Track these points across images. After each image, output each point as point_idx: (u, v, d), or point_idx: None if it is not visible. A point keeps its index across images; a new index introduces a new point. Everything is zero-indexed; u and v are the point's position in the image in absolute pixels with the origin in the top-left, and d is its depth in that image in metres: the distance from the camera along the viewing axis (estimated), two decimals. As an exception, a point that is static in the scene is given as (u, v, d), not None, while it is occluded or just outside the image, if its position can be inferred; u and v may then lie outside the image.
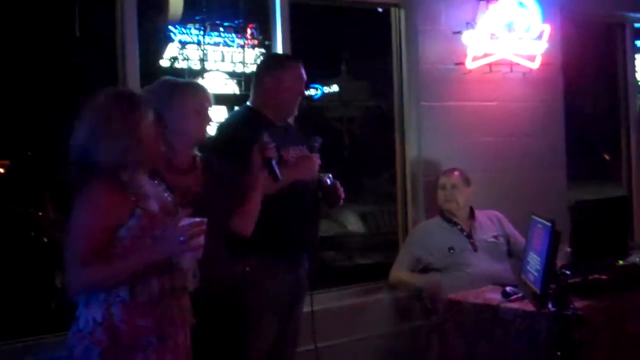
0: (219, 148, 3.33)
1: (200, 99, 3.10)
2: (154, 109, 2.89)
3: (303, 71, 3.63)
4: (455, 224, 4.54)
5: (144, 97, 2.67)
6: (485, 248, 4.47)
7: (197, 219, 2.44)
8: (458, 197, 4.54)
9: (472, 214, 4.60)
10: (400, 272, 4.57)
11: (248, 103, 3.66)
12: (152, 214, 2.48)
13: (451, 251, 4.45)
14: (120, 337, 2.43)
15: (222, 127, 3.61)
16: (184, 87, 3.14)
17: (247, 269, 3.28)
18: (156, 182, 2.65)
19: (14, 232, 6.85)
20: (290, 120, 3.85)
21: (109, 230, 2.41)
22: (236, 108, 3.97)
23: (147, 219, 2.46)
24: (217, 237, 2.91)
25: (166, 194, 2.63)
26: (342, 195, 3.60)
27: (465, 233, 4.52)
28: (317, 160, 3.50)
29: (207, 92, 3.17)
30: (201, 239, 2.45)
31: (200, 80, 3.06)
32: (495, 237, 4.54)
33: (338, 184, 3.59)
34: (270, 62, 3.82)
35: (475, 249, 4.47)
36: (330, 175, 3.55)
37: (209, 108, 3.11)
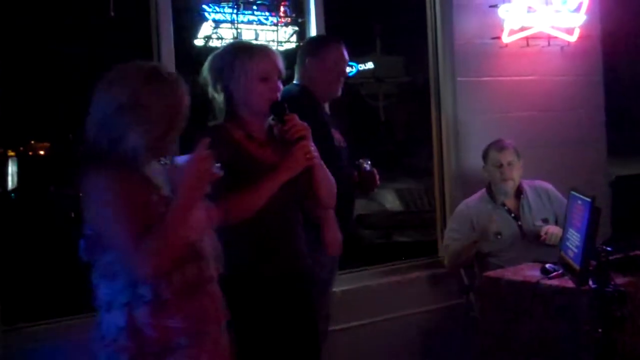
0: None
1: (266, 65, 2.80)
2: (221, 78, 2.78)
3: (345, 52, 3.66)
4: (502, 204, 4.32)
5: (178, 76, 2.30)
6: (533, 233, 4.19)
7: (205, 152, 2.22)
8: (514, 174, 4.30)
9: (520, 191, 4.35)
10: (449, 250, 4.36)
11: (295, 82, 3.66)
12: (168, 200, 2.22)
13: (498, 237, 4.22)
14: (145, 342, 2.18)
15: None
16: (248, 51, 2.83)
17: None
18: (162, 162, 2.37)
19: (55, 213, 6.96)
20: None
21: (138, 209, 2.14)
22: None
23: (164, 206, 2.20)
24: (297, 212, 2.89)
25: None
26: (378, 182, 3.62)
27: (512, 215, 4.29)
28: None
29: (275, 56, 2.85)
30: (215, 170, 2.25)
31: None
32: (544, 220, 4.26)
33: (375, 170, 3.61)
34: (313, 43, 3.83)
35: (523, 235, 4.22)
36: (369, 162, 3.57)
37: (279, 76, 2.84)
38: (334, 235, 3.02)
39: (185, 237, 2.18)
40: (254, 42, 2.92)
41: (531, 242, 4.18)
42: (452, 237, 4.39)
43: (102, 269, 2.20)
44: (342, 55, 3.65)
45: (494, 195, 4.35)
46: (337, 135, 3.52)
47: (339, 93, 3.69)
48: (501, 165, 4.29)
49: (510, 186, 4.30)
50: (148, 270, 2.12)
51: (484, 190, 4.41)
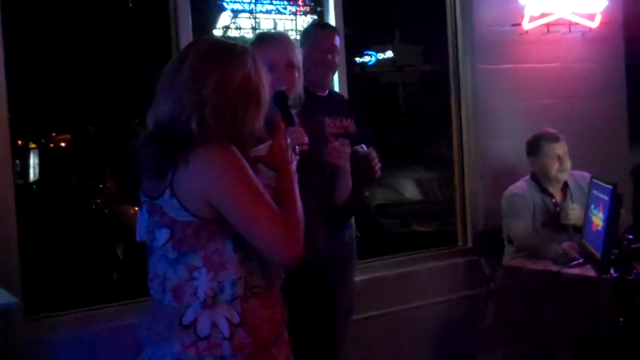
0: None
1: (271, 54, 2.73)
2: None
3: (330, 38, 3.51)
4: (551, 195, 4.21)
5: None
6: (573, 229, 4.05)
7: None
8: (568, 165, 4.21)
9: (566, 183, 4.26)
10: (529, 232, 4.11)
11: None
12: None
13: (544, 227, 4.16)
14: (263, 337, 2.02)
15: None
16: (261, 40, 2.82)
17: None
18: None
19: (76, 204, 7.02)
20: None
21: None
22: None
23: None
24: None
25: None
26: (378, 166, 3.27)
27: (558, 208, 4.17)
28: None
29: (285, 45, 2.79)
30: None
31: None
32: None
33: (373, 154, 3.27)
34: (300, 34, 3.76)
35: (565, 228, 4.09)
36: (364, 145, 3.25)
37: (289, 66, 2.76)
38: None
39: None
40: (279, 31, 2.86)
41: (572, 235, 4.04)
42: (516, 225, 4.19)
43: (204, 259, 1.96)
44: (323, 40, 3.49)
45: (541, 184, 4.24)
46: (344, 123, 3.45)
47: (327, 79, 3.59)
48: (559, 157, 4.19)
49: (565, 177, 4.22)
50: (297, 250, 1.97)
51: (528, 178, 4.30)
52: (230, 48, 2.06)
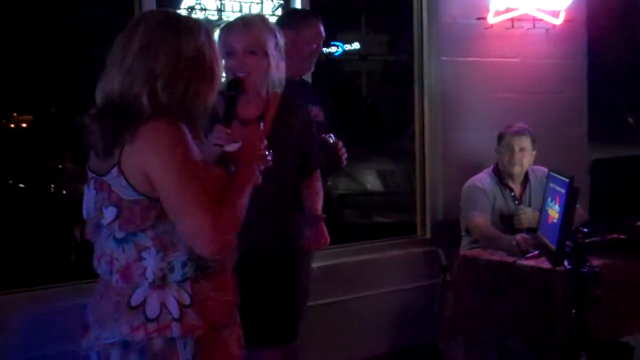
0: None
1: (228, 38, 2.74)
2: None
3: (322, 28, 3.56)
4: (510, 189, 4.27)
5: None
6: (527, 230, 4.04)
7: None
8: (524, 160, 4.24)
9: (526, 177, 4.31)
10: (487, 224, 4.10)
11: None
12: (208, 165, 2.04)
13: (501, 219, 4.18)
14: (214, 319, 1.99)
15: None
16: (227, 25, 2.80)
17: None
18: None
19: (34, 184, 6.94)
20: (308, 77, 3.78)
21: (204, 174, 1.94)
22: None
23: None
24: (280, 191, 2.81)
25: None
26: (345, 156, 3.33)
27: (516, 202, 4.23)
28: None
29: (242, 30, 2.75)
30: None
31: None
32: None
33: (340, 144, 3.32)
34: (289, 16, 3.74)
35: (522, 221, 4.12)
36: (332, 135, 3.31)
37: (252, 51, 2.71)
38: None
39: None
40: (250, 15, 2.90)
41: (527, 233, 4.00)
42: (475, 216, 4.18)
43: (153, 239, 1.92)
44: (320, 32, 3.53)
45: (501, 176, 4.28)
46: (314, 111, 3.46)
47: (312, 69, 3.62)
48: (513, 150, 4.22)
49: (517, 171, 4.24)
50: (219, 246, 1.90)
51: (489, 170, 4.33)
52: (183, 20, 2.01)
